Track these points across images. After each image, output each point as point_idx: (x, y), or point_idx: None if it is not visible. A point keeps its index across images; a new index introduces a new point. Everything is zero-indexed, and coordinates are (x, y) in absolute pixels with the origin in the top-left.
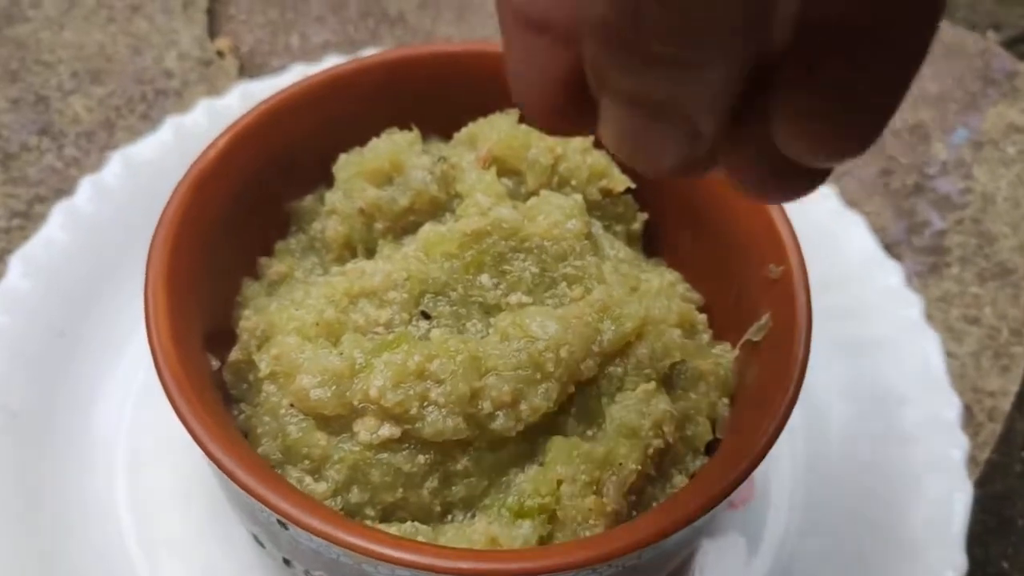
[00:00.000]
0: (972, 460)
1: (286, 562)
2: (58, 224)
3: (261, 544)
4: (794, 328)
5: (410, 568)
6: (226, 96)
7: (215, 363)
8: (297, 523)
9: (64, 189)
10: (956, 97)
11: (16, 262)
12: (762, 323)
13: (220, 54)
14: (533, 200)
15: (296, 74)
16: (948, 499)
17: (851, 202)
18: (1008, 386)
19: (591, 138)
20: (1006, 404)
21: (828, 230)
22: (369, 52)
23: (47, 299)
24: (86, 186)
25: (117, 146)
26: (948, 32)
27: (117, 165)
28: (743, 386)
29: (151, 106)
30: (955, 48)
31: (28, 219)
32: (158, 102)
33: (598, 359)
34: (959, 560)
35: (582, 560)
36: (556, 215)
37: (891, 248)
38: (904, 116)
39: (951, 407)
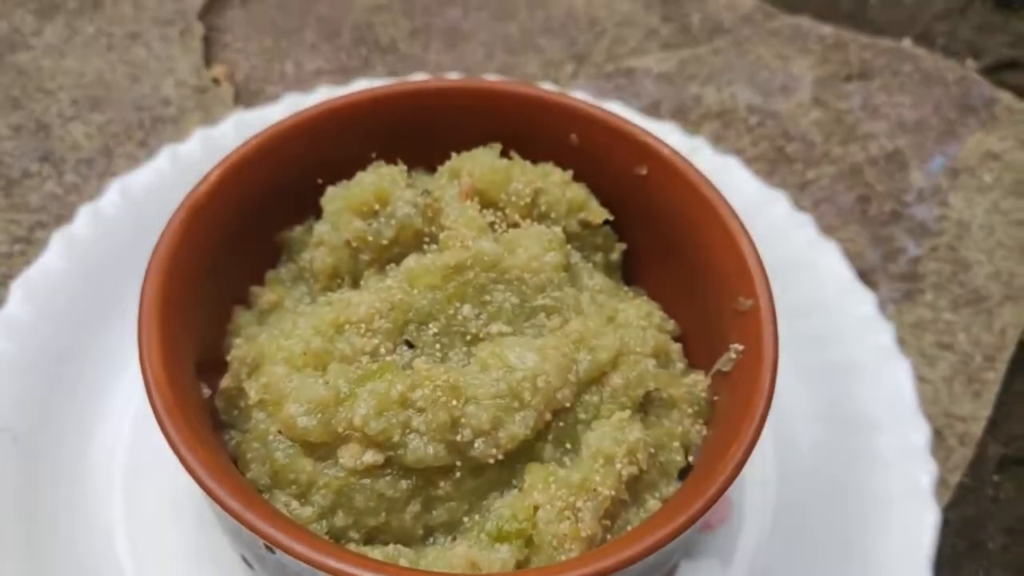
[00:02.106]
0: (943, 484)
1: None
2: (57, 252)
3: (250, 565)
4: (761, 360)
5: None
6: (221, 125)
7: (207, 390)
8: (283, 548)
9: (64, 215)
10: (934, 125)
11: (17, 289)
12: (731, 354)
13: (216, 81)
14: (513, 232)
15: (289, 104)
16: (917, 523)
17: (828, 228)
18: (980, 411)
19: (570, 172)
20: (977, 429)
21: (804, 258)
22: (361, 81)
23: (46, 325)
24: (84, 214)
25: (116, 173)
26: (927, 60)
27: (115, 194)
28: (715, 414)
29: (149, 133)
30: (933, 76)
31: (29, 244)
32: (156, 129)
33: (575, 388)
34: None
35: None
36: (535, 248)
37: (867, 275)
38: (882, 143)
39: (921, 433)
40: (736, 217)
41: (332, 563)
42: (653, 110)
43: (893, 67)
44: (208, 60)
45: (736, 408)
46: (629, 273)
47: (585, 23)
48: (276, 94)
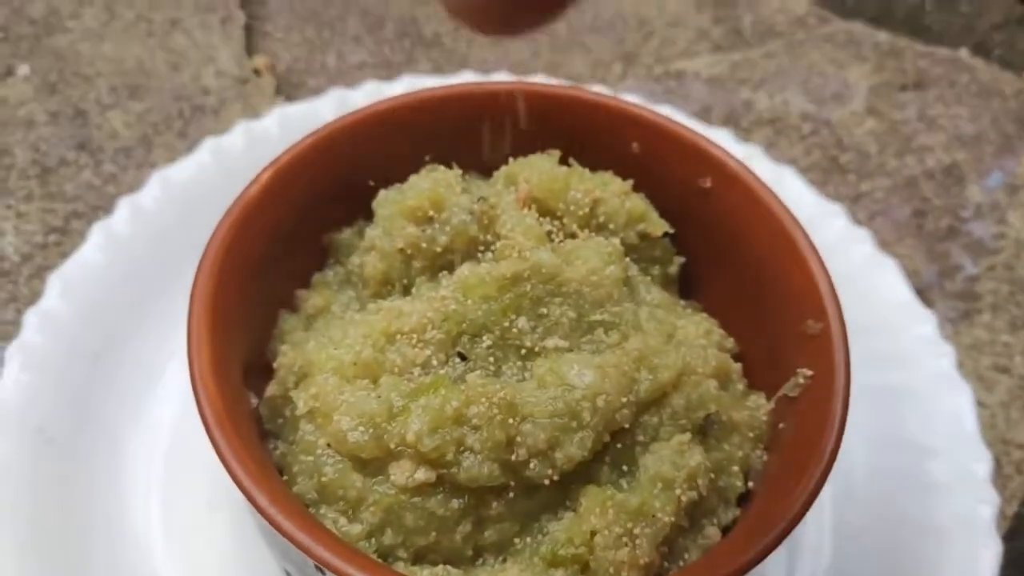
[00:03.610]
0: (1000, 514)
1: None
2: (96, 245)
3: None
4: (832, 389)
5: None
6: (264, 119)
7: (252, 398)
8: (334, 570)
9: (101, 206)
10: (991, 139)
11: (54, 282)
12: (799, 379)
13: (257, 72)
14: (571, 243)
15: (334, 99)
16: (976, 556)
17: (883, 243)
18: None
19: (630, 182)
20: None
21: (862, 274)
22: (406, 77)
23: (83, 321)
24: (124, 207)
25: (154, 163)
26: (984, 71)
27: (155, 187)
28: (777, 440)
29: (188, 123)
30: (991, 88)
31: (65, 235)
32: (195, 119)
33: (634, 408)
34: None
35: None
36: (594, 260)
37: (923, 293)
38: (939, 157)
39: (982, 463)
40: (806, 236)
41: None
42: (704, 115)
43: (950, 77)
44: (249, 50)
45: (803, 439)
46: (686, 288)
47: (634, 23)
48: (318, 86)
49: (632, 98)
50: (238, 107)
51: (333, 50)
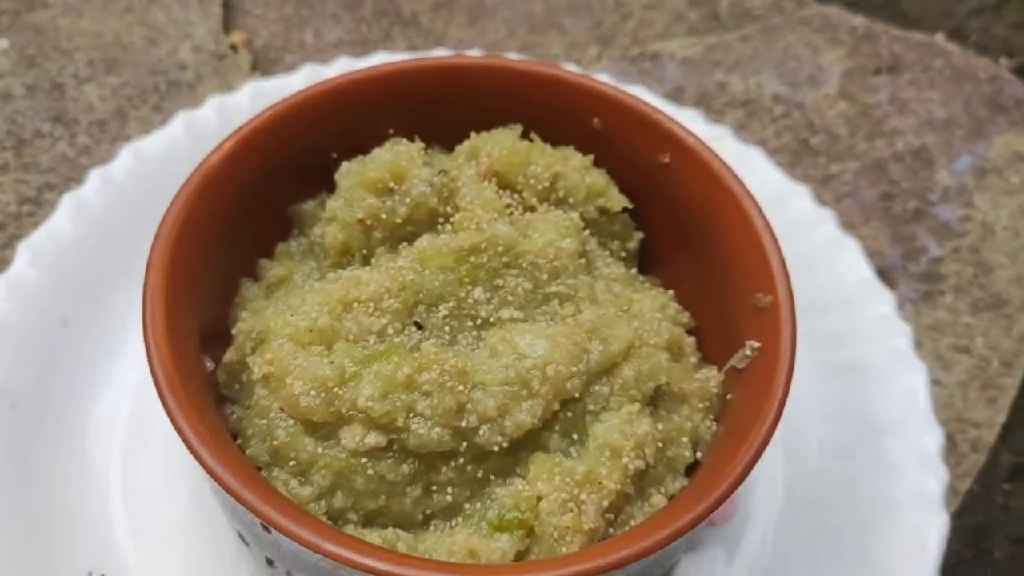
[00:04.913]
0: (952, 490)
1: (269, 562)
2: (66, 215)
3: (246, 542)
4: (777, 360)
5: None
6: (236, 93)
7: (210, 363)
8: (279, 528)
9: (74, 177)
10: (962, 123)
11: (23, 251)
12: (747, 351)
13: (234, 48)
14: (530, 216)
15: (307, 75)
16: (924, 529)
17: (849, 225)
18: (994, 417)
19: (590, 157)
20: (991, 436)
21: (824, 254)
22: (380, 54)
23: (52, 289)
24: (95, 178)
25: (129, 137)
26: (959, 56)
27: (127, 158)
28: (727, 411)
29: (164, 98)
30: (965, 73)
31: (38, 205)
32: (171, 94)
33: (584, 378)
34: None
35: None
36: (551, 233)
37: (886, 273)
38: (909, 140)
39: (933, 439)
40: (760, 211)
41: (328, 546)
42: (676, 96)
43: (924, 62)
44: (227, 26)
45: (748, 407)
46: (645, 263)
47: (611, 4)
48: (294, 63)
49: (604, 78)
50: (214, 82)
51: (310, 27)
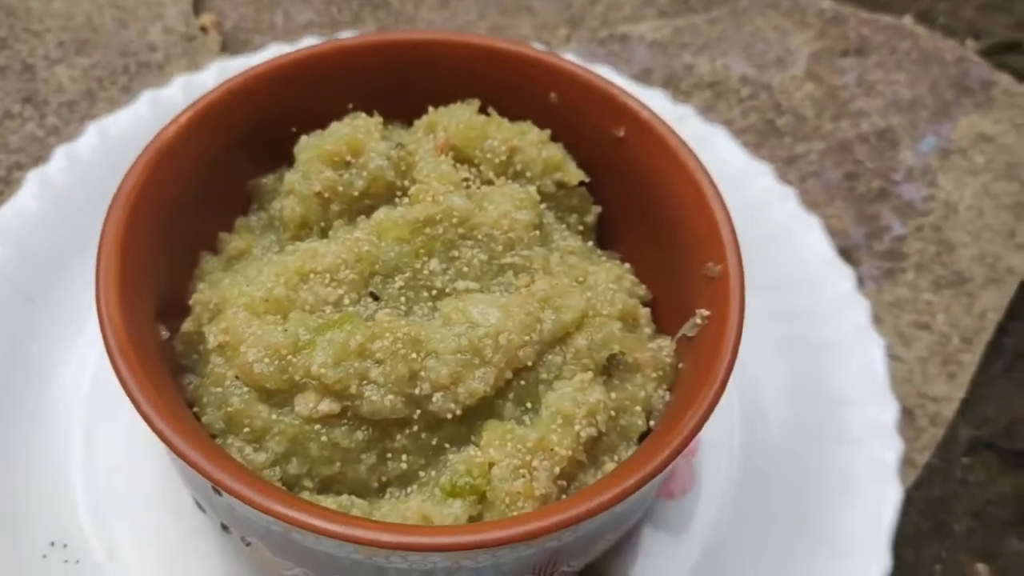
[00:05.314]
0: (911, 464)
1: (224, 528)
2: (31, 192)
3: (203, 509)
4: (726, 327)
5: (331, 537)
6: (203, 72)
7: (166, 333)
8: (229, 491)
9: (43, 157)
10: (928, 104)
11: None
12: (697, 320)
13: (204, 29)
14: (486, 189)
15: (273, 54)
16: (878, 500)
17: (813, 204)
18: (953, 393)
19: (547, 132)
20: (950, 410)
21: (786, 231)
22: (347, 33)
23: (17, 266)
24: (60, 156)
25: (97, 117)
26: (926, 38)
27: (92, 136)
28: (679, 379)
29: (133, 78)
30: (932, 55)
31: (7, 185)
32: (140, 75)
33: (537, 347)
34: (885, 560)
35: (494, 540)
36: (506, 205)
37: (849, 252)
38: (874, 121)
39: (889, 411)
40: (711, 182)
41: (279, 508)
42: (644, 77)
43: (891, 44)
44: (197, 8)
45: (697, 373)
46: (605, 237)
47: None
48: (263, 45)
49: (571, 58)
50: (183, 63)
51: (280, 9)
